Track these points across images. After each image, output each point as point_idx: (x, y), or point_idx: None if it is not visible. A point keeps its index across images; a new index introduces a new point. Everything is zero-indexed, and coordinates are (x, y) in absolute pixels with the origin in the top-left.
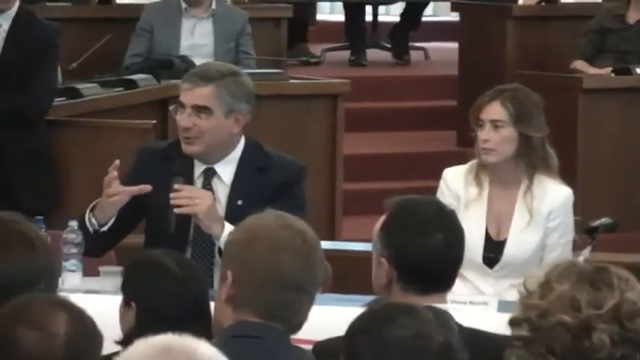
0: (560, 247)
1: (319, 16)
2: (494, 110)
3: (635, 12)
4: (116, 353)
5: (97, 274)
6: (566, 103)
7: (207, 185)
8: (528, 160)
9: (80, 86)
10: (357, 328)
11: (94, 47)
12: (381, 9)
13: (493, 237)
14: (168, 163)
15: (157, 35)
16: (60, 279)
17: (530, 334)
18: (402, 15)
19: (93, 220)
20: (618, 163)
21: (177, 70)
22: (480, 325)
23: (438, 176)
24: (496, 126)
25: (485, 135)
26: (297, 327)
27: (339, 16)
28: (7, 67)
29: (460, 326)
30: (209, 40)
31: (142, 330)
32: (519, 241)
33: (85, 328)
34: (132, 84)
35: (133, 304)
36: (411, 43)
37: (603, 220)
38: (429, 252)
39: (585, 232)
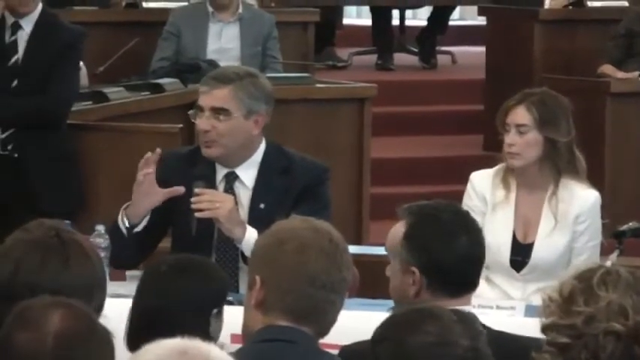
0: (588, 251)
1: (346, 20)
2: (519, 114)
3: None
4: None
5: (123, 278)
6: (593, 107)
7: (230, 189)
8: (554, 164)
9: (107, 90)
10: (380, 335)
11: (121, 51)
12: (408, 13)
13: (520, 240)
14: (191, 168)
15: (183, 39)
16: None
17: (571, 341)
18: (429, 19)
19: (125, 219)
20: None
21: (204, 74)
22: (506, 329)
23: (464, 180)
24: (521, 130)
25: (510, 139)
26: (327, 329)
27: (366, 20)
28: (29, 70)
29: (485, 327)
30: (236, 44)
31: None
32: (547, 244)
33: (78, 324)
34: (158, 88)
35: None
36: (438, 47)
37: (631, 224)
38: (458, 255)
39: (613, 237)
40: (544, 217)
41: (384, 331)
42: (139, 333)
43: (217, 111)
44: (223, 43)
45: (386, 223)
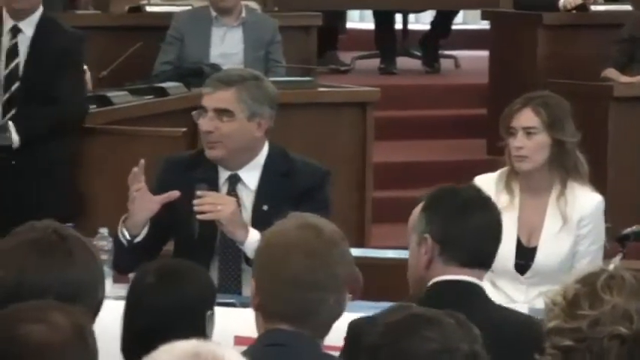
0: (591, 255)
1: (349, 24)
2: (527, 117)
3: None
4: None
5: (126, 280)
6: (596, 111)
7: (232, 191)
8: (561, 165)
9: (110, 94)
10: (377, 341)
11: (124, 55)
12: (411, 17)
13: (524, 244)
14: (193, 171)
15: (187, 43)
16: None
17: (575, 344)
18: (432, 23)
19: (125, 231)
20: None
21: (207, 78)
22: None
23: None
24: (529, 133)
25: (518, 142)
26: (325, 328)
27: (369, 24)
28: (31, 74)
29: (490, 302)
30: (239, 49)
31: None
32: (550, 248)
33: (79, 319)
34: (162, 92)
35: None
36: (441, 52)
37: (635, 227)
38: (472, 226)
39: (616, 241)
40: (548, 220)
41: (382, 337)
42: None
43: (221, 112)
44: (227, 47)
45: (388, 227)
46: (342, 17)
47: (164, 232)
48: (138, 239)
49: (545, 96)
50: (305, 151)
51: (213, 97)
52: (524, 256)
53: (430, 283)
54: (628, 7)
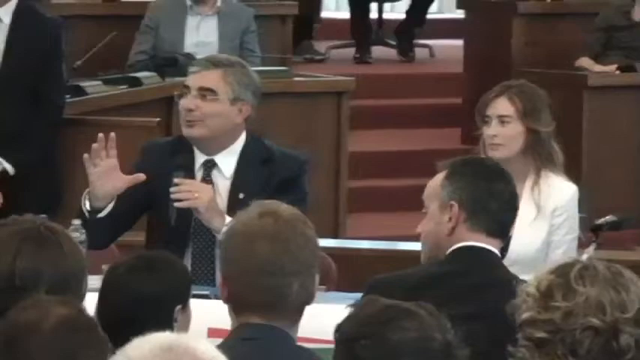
0: (566, 244)
1: (324, 14)
2: (502, 105)
3: None
4: None
5: (100, 272)
6: (571, 100)
7: (207, 177)
8: (536, 155)
9: (84, 84)
10: (356, 332)
11: (99, 45)
12: (387, 6)
13: None
14: (171, 157)
15: (161, 33)
16: None
17: (549, 336)
18: (408, 12)
19: (87, 202)
20: (624, 160)
21: (181, 67)
22: None
23: None
24: (503, 121)
25: (492, 130)
26: (295, 314)
27: (345, 14)
28: (12, 62)
29: (510, 273)
30: (214, 38)
31: None
32: (525, 238)
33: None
34: (136, 82)
35: None
36: (416, 41)
37: (608, 217)
38: (498, 195)
39: (590, 230)
40: (523, 210)
41: (360, 328)
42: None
43: (205, 91)
44: (202, 36)
45: (364, 216)
46: (317, 6)
47: (135, 211)
48: (101, 214)
49: (521, 85)
50: (281, 140)
51: (200, 76)
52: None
53: (453, 247)
54: None
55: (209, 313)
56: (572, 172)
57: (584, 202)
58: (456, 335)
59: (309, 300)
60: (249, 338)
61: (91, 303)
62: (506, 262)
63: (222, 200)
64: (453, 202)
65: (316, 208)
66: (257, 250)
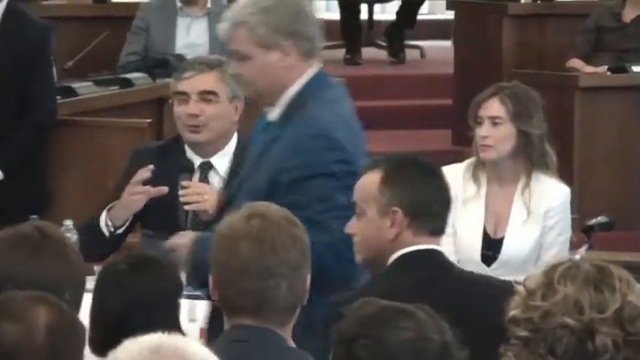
0: (558, 246)
1: None
2: (493, 107)
3: (631, 10)
4: None
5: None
6: (562, 101)
7: (204, 179)
8: (527, 157)
9: (75, 85)
10: (353, 333)
11: (90, 46)
12: (377, 7)
13: (491, 235)
14: (164, 161)
15: (152, 34)
16: None
17: (530, 335)
18: (398, 13)
19: (109, 221)
20: (615, 161)
21: (172, 69)
22: None
23: None
24: (495, 122)
25: (484, 132)
26: (286, 316)
27: (335, 15)
28: (3, 67)
29: (461, 270)
30: (205, 39)
31: None
32: (517, 239)
33: (64, 318)
34: (127, 83)
35: None
36: (406, 42)
37: (600, 218)
38: (438, 194)
39: (582, 231)
40: (514, 211)
41: (357, 329)
42: (107, 336)
43: (206, 94)
44: (192, 38)
45: None
46: None
47: (134, 219)
48: (120, 231)
49: (515, 87)
50: None
51: (197, 80)
52: (491, 247)
53: (397, 255)
54: None
55: (202, 314)
56: (564, 173)
57: (575, 203)
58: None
59: (299, 301)
60: (239, 340)
61: (85, 304)
62: (497, 263)
63: None
64: (395, 209)
65: None
66: (242, 252)
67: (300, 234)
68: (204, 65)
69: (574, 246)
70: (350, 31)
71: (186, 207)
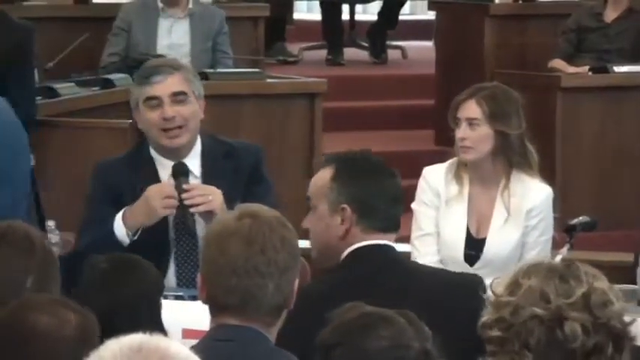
0: (540, 245)
1: (296, 15)
2: (470, 109)
3: (613, 11)
4: None
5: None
6: (544, 101)
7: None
8: (506, 157)
9: (57, 86)
10: (332, 339)
11: (71, 46)
12: (359, 8)
13: (474, 235)
14: (133, 171)
15: (134, 34)
16: None
17: (504, 334)
18: (380, 14)
19: (128, 231)
20: (597, 161)
21: None
22: None
23: (416, 175)
24: (472, 124)
25: (461, 133)
26: (270, 316)
27: (317, 15)
28: None
29: (414, 263)
30: (186, 40)
31: None
32: (499, 239)
33: (90, 320)
34: (108, 83)
35: None
36: (388, 42)
37: (582, 218)
38: (387, 191)
39: (564, 231)
40: (496, 212)
41: (336, 336)
42: None
43: (177, 95)
44: (174, 38)
45: None
46: (289, 8)
47: None
48: (136, 237)
49: (493, 87)
50: (253, 142)
51: (167, 83)
52: (474, 247)
53: (349, 250)
54: None
55: (184, 315)
56: (545, 173)
57: (557, 203)
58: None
59: (285, 303)
60: (223, 339)
61: None
62: (480, 262)
63: None
64: (344, 206)
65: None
66: (231, 250)
67: (291, 236)
68: (169, 67)
69: (556, 246)
70: (332, 31)
71: (192, 209)
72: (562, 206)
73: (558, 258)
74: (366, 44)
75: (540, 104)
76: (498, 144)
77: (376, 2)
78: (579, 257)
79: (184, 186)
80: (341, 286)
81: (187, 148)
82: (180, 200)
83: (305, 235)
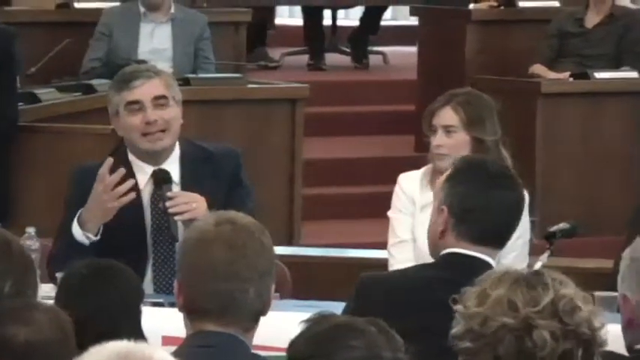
0: (518, 249)
1: (278, 20)
2: (446, 116)
3: (594, 16)
4: None
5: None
6: (525, 107)
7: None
8: None
9: (38, 91)
10: (303, 352)
11: (53, 52)
12: (340, 13)
13: None
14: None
15: (115, 39)
16: None
17: (474, 345)
18: (361, 19)
19: (87, 232)
20: (577, 167)
21: None
22: None
23: (396, 181)
24: (448, 131)
25: (438, 141)
26: (250, 321)
27: (299, 20)
28: None
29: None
30: (168, 45)
31: None
32: None
33: (61, 315)
34: (90, 89)
35: None
36: (370, 48)
37: (562, 225)
38: (490, 203)
39: (544, 238)
40: None
41: (307, 349)
42: None
43: (159, 99)
44: (156, 43)
45: (318, 223)
46: (271, 13)
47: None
48: (95, 238)
49: (467, 93)
50: (235, 147)
51: (147, 88)
52: None
53: (443, 252)
54: (555, 4)
55: (163, 321)
56: (526, 179)
57: (538, 208)
58: (408, 352)
59: (264, 309)
60: (203, 345)
61: None
62: None
63: None
64: (443, 207)
65: (270, 215)
66: (213, 255)
67: (269, 242)
68: (149, 72)
69: (535, 253)
70: (313, 36)
71: (176, 217)
72: (542, 211)
73: (538, 265)
74: (347, 50)
75: (521, 110)
76: (475, 150)
77: (358, 8)
78: (559, 264)
79: (168, 194)
80: (419, 281)
81: (167, 152)
82: (165, 208)
83: (277, 241)
